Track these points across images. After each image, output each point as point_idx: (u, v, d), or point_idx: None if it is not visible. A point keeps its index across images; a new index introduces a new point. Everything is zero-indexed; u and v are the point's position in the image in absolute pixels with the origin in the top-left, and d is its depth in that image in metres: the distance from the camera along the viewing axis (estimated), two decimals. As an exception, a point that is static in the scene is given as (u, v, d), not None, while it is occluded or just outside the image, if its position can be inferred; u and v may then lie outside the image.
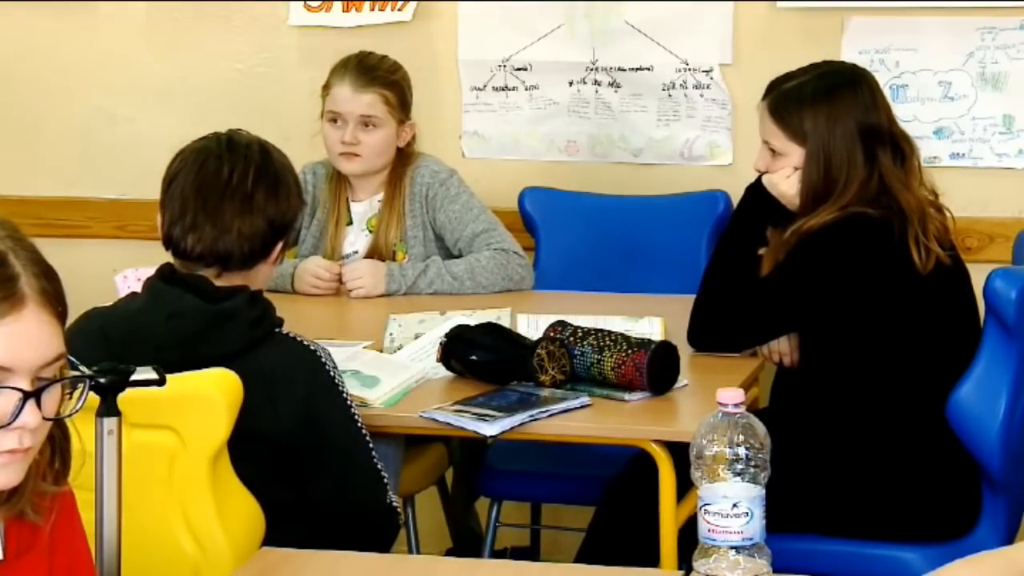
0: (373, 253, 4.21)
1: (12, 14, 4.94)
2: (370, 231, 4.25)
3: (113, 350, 2.76)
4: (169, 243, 3.01)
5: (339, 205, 4.26)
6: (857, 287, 3.42)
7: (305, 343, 2.99)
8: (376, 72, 4.20)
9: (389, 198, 4.23)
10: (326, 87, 4.23)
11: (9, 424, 1.80)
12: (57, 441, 1.93)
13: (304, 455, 2.95)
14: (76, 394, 1.89)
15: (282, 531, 2.78)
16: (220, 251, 2.99)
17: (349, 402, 3.01)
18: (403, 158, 4.25)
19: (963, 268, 3.56)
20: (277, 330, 3.00)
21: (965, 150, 4.38)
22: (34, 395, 1.81)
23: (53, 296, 1.86)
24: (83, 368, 1.91)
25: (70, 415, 1.89)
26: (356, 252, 4.25)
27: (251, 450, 2.83)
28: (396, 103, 4.20)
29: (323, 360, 2.98)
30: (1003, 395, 3.33)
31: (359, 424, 3.01)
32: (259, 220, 3.00)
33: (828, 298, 3.44)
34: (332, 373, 2.99)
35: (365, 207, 4.27)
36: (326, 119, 4.21)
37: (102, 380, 2.32)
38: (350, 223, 4.27)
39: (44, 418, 1.84)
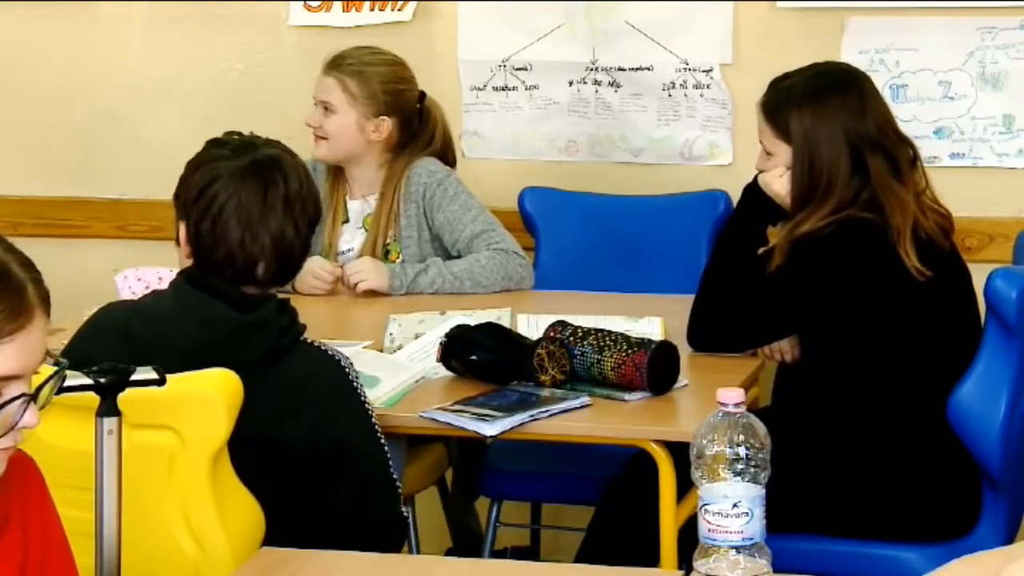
0: (367, 251, 4.21)
1: (12, 14, 4.94)
2: (366, 229, 4.25)
3: (136, 350, 2.73)
4: (230, 265, 2.92)
5: (337, 202, 4.27)
6: (856, 291, 3.42)
7: (329, 352, 2.98)
8: (347, 60, 4.23)
9: (384, 200, 4.23)
10: None
11: (13, 427, 1.82)
12: None
13: (324, 464, 2.94)
14: (53, 383, 1.90)
15: (291, 541, 2.77)
16: (287, 276, 3.01)
17: (370, 412, 3.00)
18: (401, 158, 4.25)
19: (964, 268, 3.56)
20: (302, 338, 3.00)
21: (965, 150, 4.38)
22: (35, 396, 1.83)
23: (47, 298, 1.87)
24: (60, 359, 1.92)
25: (44, 404, 1.90)
26: (351, 249, 4.25)
27: (274, 458, 2.82)
28: (358, 93, 4.20)
29: (347, 370, 2.97)
30: (1003, 395, 3.33)
31: (379, 435, 3.00)
32: (304, 232, 3.00)
33: (827, 302, 3.44)
34: (355, 383, 2.98)
35: (361, 205, 4.27)
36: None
37: (102, 380, 2.32)
38: (347, 221, 4.27)
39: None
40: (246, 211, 2.91)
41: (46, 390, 1.87)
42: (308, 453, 2.91)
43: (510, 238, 4.20)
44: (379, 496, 3.00)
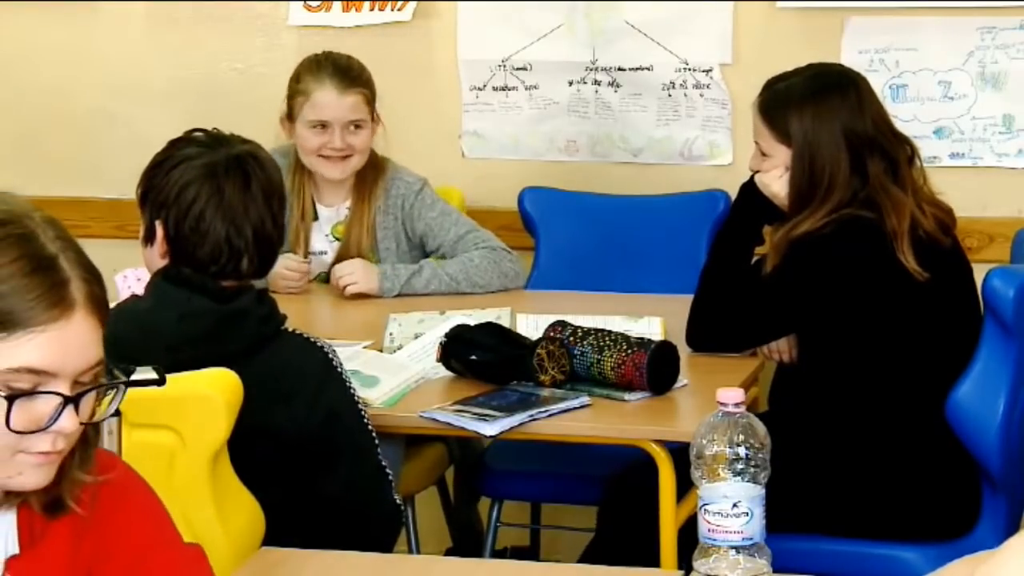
0: (341, 261, 4.18)
1: (12, 14, 4.94)
2: (336, 238, 4.23)
3: (120, 352, 2.74)
4: (214, 262, 2.94)
5: (303, 199, 4.22)
6: (855, 290, 3.41)
7: (312, 339, 3.01)
8: (352, 72, 4.18)
9: (358, 208, 4.19)
10: (301, 93, 4.17)
11: (45, 428, 1.78)
12: (90, 439, 1.91)
13: (315, 450, 2.95)
14: (109, 398, 1.88)
15: (282, 531, 2.78)
16: (267, 268, 3.02)
17: (357, 398, 3.02)
18: (370, 167, 4.22)
19: (966, 264, 3.55)
20: (283, 327, 3.01)
21: (965, 150, 4.38)
22: (73, 400, 1.80)
23: (99, 301, 1.85)
24: (118, 373, 1.89)
25: (103, 419, 1.88)
26: (325, 253, 4.23)
27: (262, 447, 2.84)
28: (372, 101, 4.20)
29: (330, 356, 3.00)
30: (1002, 394, 3.33)
31: (366, 420, 3.03)
32: (281, 223, 3.04)
33: (825, 301, 3.44)
34: (340, 369, 3.01)
35: (331, 213, 4.24)
36: (308, 126, 4.14)
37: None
38: (316, 218, 4.25)
39: (80, 423, 1.83)
40: (230, 206, 2.94)
41: (91, 398, 1.84)
42: (297, 440, 2.93)
43: (494, 236, 4.19)
44: (370, 482, 3.01)
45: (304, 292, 4.11)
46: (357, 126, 4.15)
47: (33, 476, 1.81)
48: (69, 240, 1.87)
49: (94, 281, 1.85)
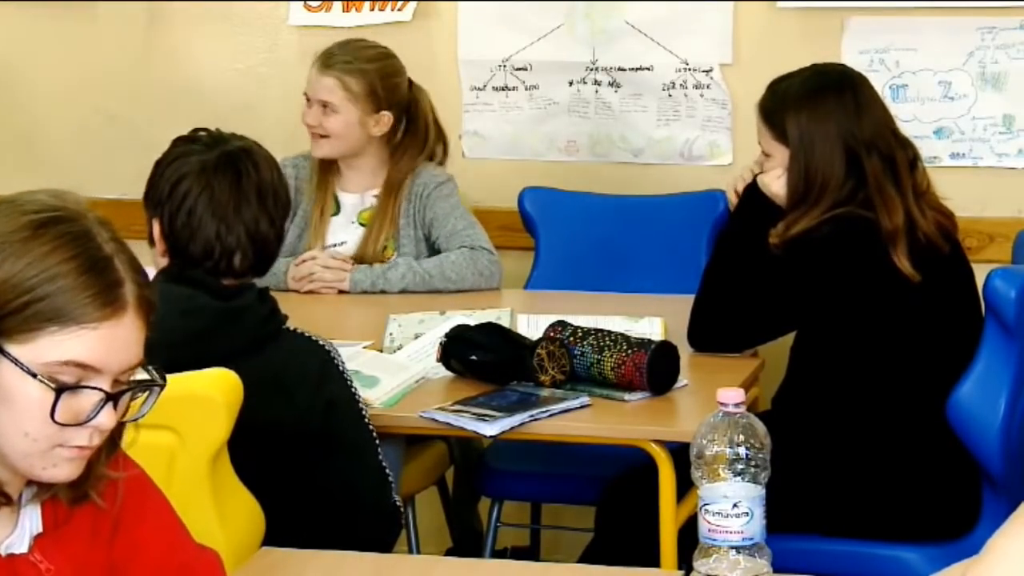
0: (363, 247, 4.20)
1: (13, 15, 4.94)
2: (361, 224, 4.25)
3: None
4: (207, 259, 2.94)
5: (326, 195, 4.26)
6: (848, 288, 3.41)
7: (313, 338, 3.01)
8: (343, 57, 4.21)
9: (386, 199, 4.22)
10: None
11: (85, 422, 1.83)
12: (116, 436, 1.96)
13: (314, 446, 2.95)
14: (142, 398, 1.92)
15: (281, 528, 2.78)
16: (263, 266, 3.02)
17: (358, 397, 3.03)
18: (402, 158, 4.24)
19: (967, 270, 3.54)
20: (284, 326, 3.01)
21: (965, 150, 4.38)
22: (114, 398, 1.85)
23: (149, 304, 1.90)
24: (155, 374, 1.93)
25: (137, 418, 1.93)
26: (345, 243, 4.24)
27: (262, 445, 2.83)
28: (360, 91, 4.18)
29: (332, 354, 3.00)
30: (1003, 395, 3.33)
31: (367, 420, 3.03)
32: (279, 221, 3.03)
33: (821, 299, 3.44)
34: (341, 368, 3.01)
35: (356, 200, 4.27)
36: (304, 100, 4.26)
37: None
38: (336, 213, 4.26)
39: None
40: (220, 204, 2.94)
41: (127, 397, 1.88)
42: (298, 434, 2.93)
43: (485, 238, 4.19)
44: (367, 482, 3.02)
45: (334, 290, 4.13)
46: (328, 107, 4.17)
47: (65, 469, 1.86)
48: (121, 242, 1.91)
49: (145, 285, 1.90)
